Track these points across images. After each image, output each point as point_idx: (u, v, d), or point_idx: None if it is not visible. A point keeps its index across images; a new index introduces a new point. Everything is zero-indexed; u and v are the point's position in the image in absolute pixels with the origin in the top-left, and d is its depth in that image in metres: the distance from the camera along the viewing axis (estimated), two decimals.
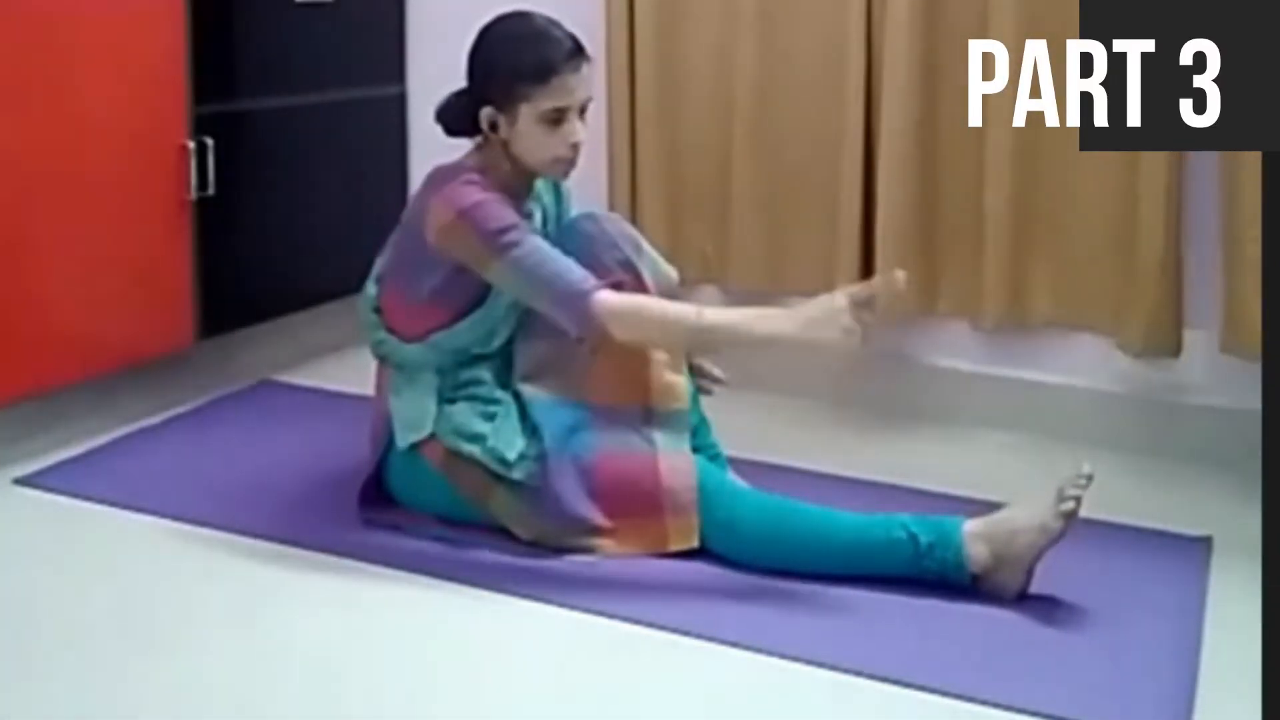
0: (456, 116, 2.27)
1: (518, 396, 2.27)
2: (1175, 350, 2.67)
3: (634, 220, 3.04)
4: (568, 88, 2.17)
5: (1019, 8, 2.69)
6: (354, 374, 2.79)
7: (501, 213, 2.14)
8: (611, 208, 3.06)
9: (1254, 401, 2.53)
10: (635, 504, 2.18)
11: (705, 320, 2.10)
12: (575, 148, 2.20)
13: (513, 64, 2.18)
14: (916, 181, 2.83)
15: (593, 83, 2.23)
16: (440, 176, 2.22)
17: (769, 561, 2.14)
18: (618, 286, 2.17)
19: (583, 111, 2.21)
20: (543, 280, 2.12)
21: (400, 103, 3.36)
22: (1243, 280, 2.56)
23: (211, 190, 2.77)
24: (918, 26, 2.78)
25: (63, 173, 2.50)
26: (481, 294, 2.23)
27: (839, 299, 2.06)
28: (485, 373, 2.29)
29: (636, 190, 3.08)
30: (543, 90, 2.16)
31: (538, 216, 2.33)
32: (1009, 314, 2.82)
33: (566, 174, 2.26)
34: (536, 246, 2.13)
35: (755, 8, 2.93)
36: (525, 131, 2.19)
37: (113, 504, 2.34)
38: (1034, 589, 2.09)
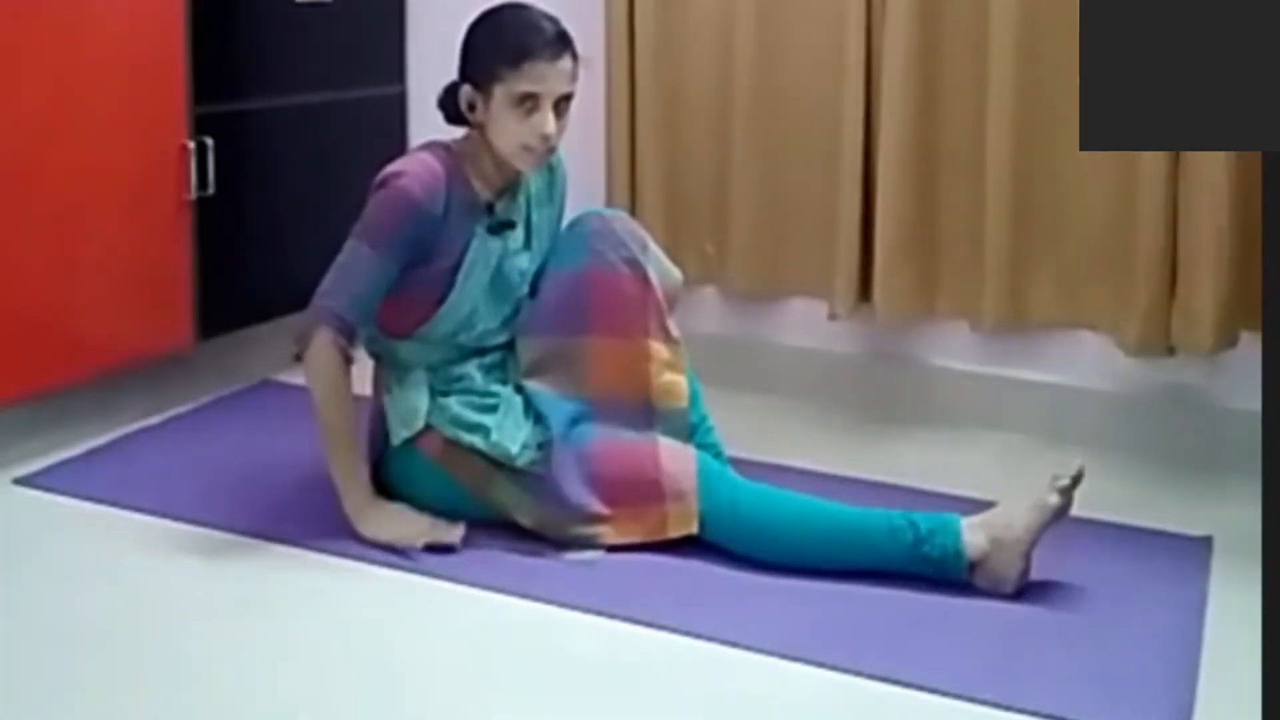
0: (452, 101, 2.29)
1: (520, 390, 2.29)
2: (1169, 349, 2.67)
3: (633, 218, 3.05)
4: (540, 75, 2.18)
5: (1020, 7, 2.69)
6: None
7: (395, 217, 2.19)
8: (610, 206, 3.06)
9: (1253, 401, 2.54)
10: (634, 490, 2.19)
11: (331, 438, 2.22)
12: (545, 139, 2.20)
13: (491, 45, 2.20)
14: (916, 182, 2.83)
15: (576, 79, 2.23)
16: (422, 146, 2.27)
17: (769, 552, 2.14)
18: (619, 285, 2.22)
19: (559, 107, 2.21)
20: (334, 277, 2.22)
21: (400, 103, 3.36)
22: (1195, 276, 2.58)
23: (211, 190, 2.77)
24: (917, 25, 2.78)
25: (62, 172, 2.50)
26: (451, 279, 2.25)
27: (414, 529, 2.20)
28: (475, 370, 2.30)
29: (636, 188, 3.08)
30: (515, 73, 2.17)
31: (520, 204, 2.33)
32: (1008, 314, 2.81)
33: (534, 166, 2.26)
34: (367, 261, 2.20)
35: (755, 8, 2.93)
36: (497, 115, 2.21)
37: (113, 504, 2.34)
38: (1034, 591, 2.09)
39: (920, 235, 2.86)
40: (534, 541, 2.20)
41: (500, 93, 2.19)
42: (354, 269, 2.20)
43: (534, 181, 2.37)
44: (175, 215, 2.73)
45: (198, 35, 2.72)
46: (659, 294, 2.28)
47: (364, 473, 2.26)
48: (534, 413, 2.26)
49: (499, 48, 2.19)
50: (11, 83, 2.39)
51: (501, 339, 2.35)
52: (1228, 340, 2.61)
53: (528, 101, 2.18)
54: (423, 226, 2.20)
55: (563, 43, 2.20)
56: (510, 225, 2.31)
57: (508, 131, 2.21)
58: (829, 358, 3.04)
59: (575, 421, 2.24)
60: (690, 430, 2.29)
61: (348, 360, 2.21)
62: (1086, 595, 2.11)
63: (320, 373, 2.20)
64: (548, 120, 2.19)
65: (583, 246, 2.28)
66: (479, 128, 2.25)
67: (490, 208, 2.28)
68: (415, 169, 2.20)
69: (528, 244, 2.34)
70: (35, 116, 2.44)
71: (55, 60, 2.46)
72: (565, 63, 2.20)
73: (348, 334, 2.20)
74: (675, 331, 2.30)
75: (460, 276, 2.25)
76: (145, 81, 2.65)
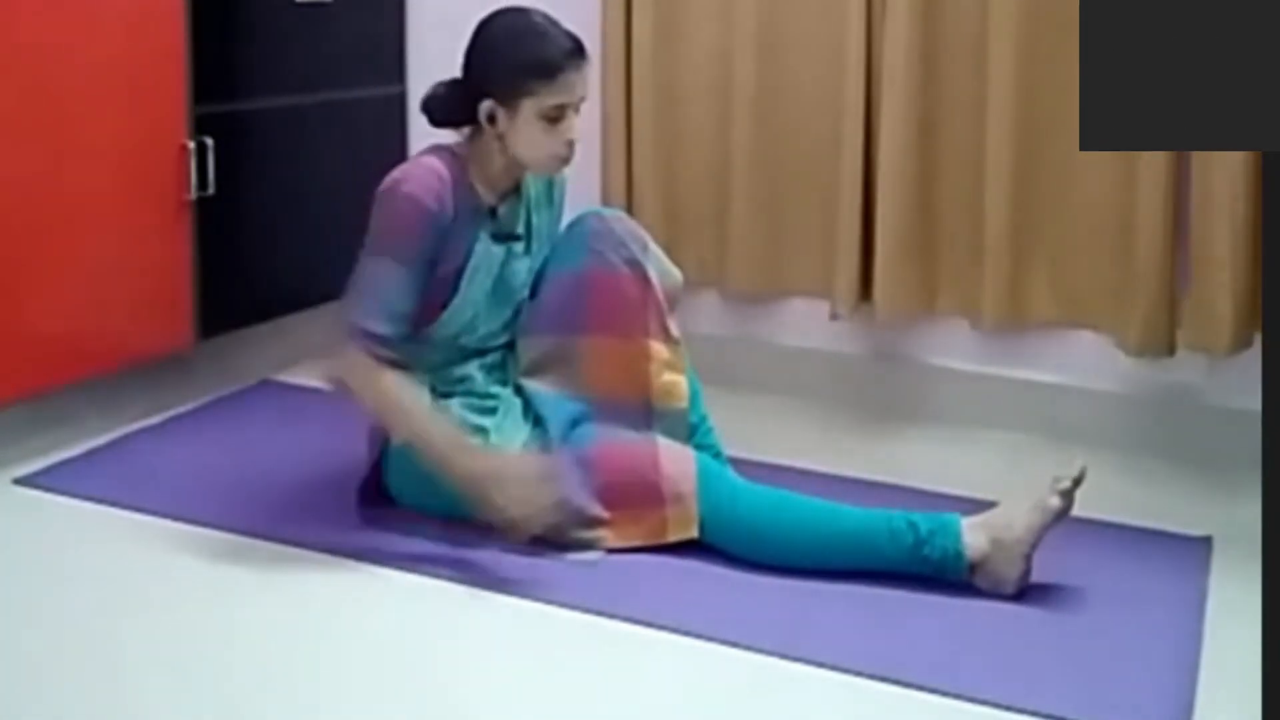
0: (446, 107, 2.27)
1: (519, 391, 2.29)
2: (1170, 349, 2.67)
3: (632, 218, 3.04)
4: (570, 86, 2.18)
5: (1020, 8, 2.70)
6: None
7: (404, 222, 2.16)
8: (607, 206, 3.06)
9: (1253, 401, 2.54)
10: (635, 494, 2.19)
11: (414, 427, 2.16)
12: (571, 145, 2.21)
13: (518, 59, 2.18)
14: (916, 182, 2.83)
15: (588, 81, 2.24)
16: (425, 150, 2.25)
17: (769, 554, 2.14)
18: (619, 285, 2.22)
19: (577, 109, 2.22)
20: (356, 295, 2.18)
21: (400, 103, 3.36)
22: (1211, 277, 2.57)
23: (211, 190, 2.77)
24: (918, 26, 2.78)
25: (63, 173, 2.50)
26: (455, 283, 2.24)
27: (542, 478, 2.11)
28: (476, 371, 2.30)
29: (632, 189, 3.08)
30: (548, 86, 2.17)
31: (521, 213, 2.33)
32: (1008, 314, 2.81)
33: (561, 169, 2.27)
34: (385, 271, 2.16)
35: (754, 9, 2.93)
36: (524, 128, 2.20)
37: (113, 504, 2.34)
38: (1034, 591, 2.09)
39: (920, 235, 2.86)
40: (534, 541, 2.20)
41: (530, 106, 2.18)
42: (376, 283, 2.17)
43: (534, 185, 2.36)
44: (175, 215, 2.73)
45: (198, 35, 2.72)
46: (659, 294, 2.28)
47: (460, 437, 2.18)
48: (534, 415, 2.26)
49: (526, 62, 2.17)
50: (11, 83, 2.39)
51: (502, 340, 2.35)
52: (1243, 342, 2.60)
53: (557, 112, 2.18)
54: (435, 231, 2.19)
55: (581, 50, 2.21)
56: (515, 237, 2.31)
57: (536, 143, 2.20)
58: (829, 358, 3.04)
59: (575, 423, 2.24)
60: (690, 431, 2.29)
61: (384, 360, 2.17)
62: (1086, 596, 2.11)
63: (366, 386, 2.16)
64: (574, 127, 2.20)
65: (583, 247, 2.28)
66: (497, 137, 2.23)
67: (493, 212, 2.28)
68: (420, 175, 2.19)
69: (528, 249, 2.34)
70: (35, 116, 2.44)
71: (55, 60, 2.46)
72: (586, 69, 2.21)
73: (381, 345, 2.16)
74: (675, 331, 2.30)
75: (464, 281, 2.24)
76: (145, 81, 2.64)
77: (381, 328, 2.16)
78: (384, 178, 2.23)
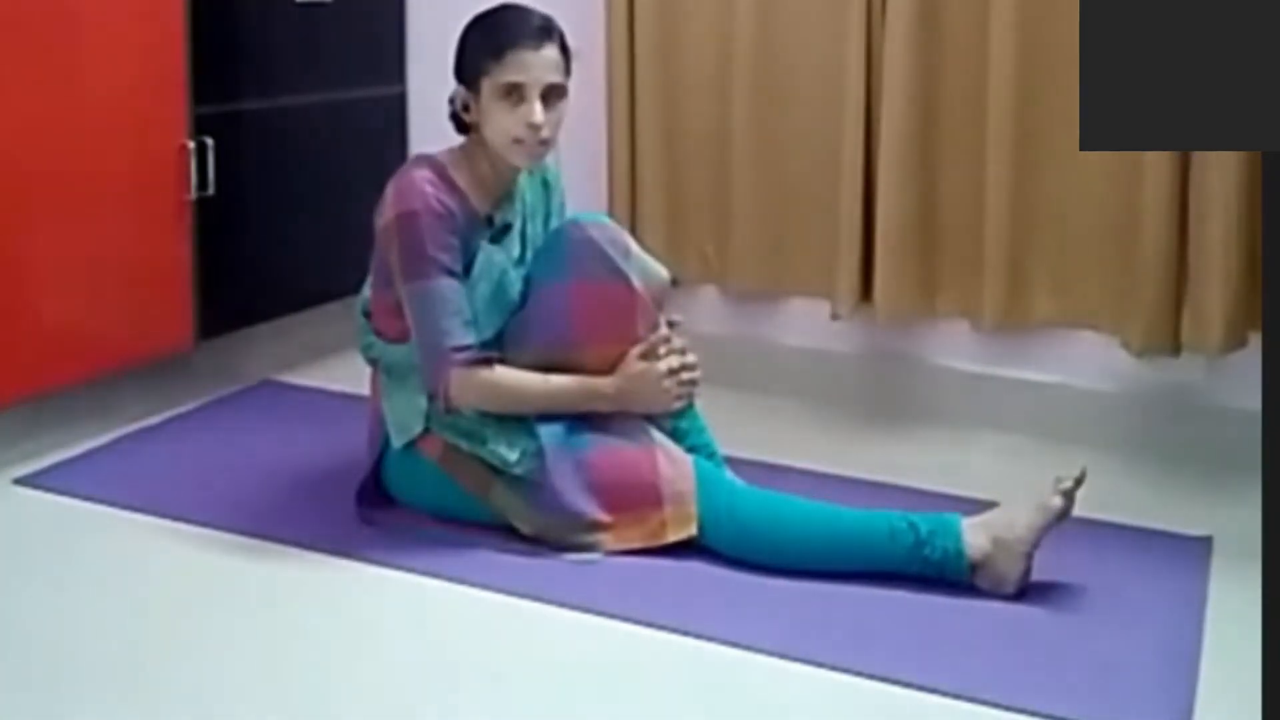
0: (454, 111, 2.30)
1: None
2: (1175, 349, 2.66)
3: (633, 220, 3.05)
4: (524, 64, 2.18)
5: (1019, 8, 2.69)
6: (354, 374, 2.78)
7: (429, 236, 2.17)
8: (611, 207, 3.06)
9: (1254, 401, 2.54)
10: (633, 496, 2.18)
11: (550, 387, 2.22)
12: (534, 129, 2.18)
13: (478, 42, 2.22)
14: (917, 181, 2.83)
15: (566, 72, 2.23)
16: (407, 165, 2.25)
17: (769, 556, 2.14)
18: (605, 296, 2.21)
19: (547, 98, 2.20)
20: (424, 325, 2.19)
21: (400, 103, 3.36)
22: (1205, 276, 2.57)
23: (211, 190, 2.77)
24: (918, 27, 2.78)
25: (62, 173, 2.50)
26: None
27: (657, 369, 2.23)
28: None
29: (636, 189, 3.08)
30: (498, 65, 2.18)
31: (517, 212, 2.32)
32: (1009, 314, 2.82)
33: (529, 159, 2.24)
34: (438, 289, 2.17)
35: (756, 8, 2.93)
36: (487, 109, 2.21)
37: (113, 504, 2.34)
38: (1034, 591, 2.09)
39: (921, 235, 2.86)
40: (534, 543, 2.20)
41: (488, 86, 2.19)
42: (438, 304, 2.18)
43: (529, 192, 2.36)
44: (175, 215, 2.73)
45: (198, 35, 2.72)
46: (645, 299, 2.26)
47: (580, 383, 2.23)
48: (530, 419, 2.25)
49: (484, 43, 2.20)
50: (12, 83, 2.39)
51: (495, 348, 2.33)
52: (1237, 341, 2.60)
53: (514, 93, 2.18)
54: (456, 232, 2.19)
55: (547, 33, 2.21)
56: (509, 228, 2.30)
57: (498, 126, 2.20)
58: (829, 358, 3.04)
59: (571, 427, 2.23)
60: (682, 433, 2.29)
61: (487, 364, 2.20)
62: (1087, 595, 2.11)
63: (486, 395, 2.20)
64: (534, 110, 2.18)
65: (564, 259, 2.24)
66: (475, 128, 2.25)
67: (490, 220, 2.28)
68: (415, 190, 2.17)
69: (522, 258, 2.32)
70: (36, 117, 2.44)
71: (56, 61, 2.46)
72: (549, 52, 2.20)
73: (477, 352, 2.19)
74: (665, 333, 2.29)
75: (467, 291, 2.23)
76: (145, 81, 2.65)
77: (468, 338, 2.18)
78: (379, 201, 2.23)
